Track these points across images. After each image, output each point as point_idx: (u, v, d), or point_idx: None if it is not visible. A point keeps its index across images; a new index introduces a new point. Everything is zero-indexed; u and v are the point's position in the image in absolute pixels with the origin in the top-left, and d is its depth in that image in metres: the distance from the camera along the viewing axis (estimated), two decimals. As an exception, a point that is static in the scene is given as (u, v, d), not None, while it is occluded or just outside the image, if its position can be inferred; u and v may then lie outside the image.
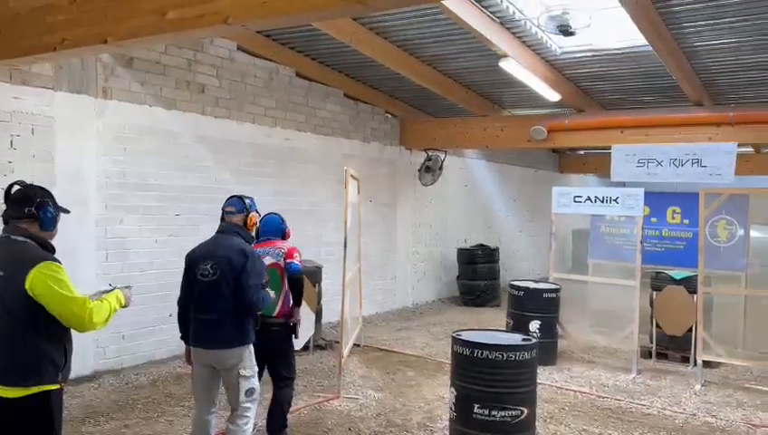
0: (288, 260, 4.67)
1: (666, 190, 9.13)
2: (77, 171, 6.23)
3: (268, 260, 4.62)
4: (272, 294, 4.51)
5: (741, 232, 7.64)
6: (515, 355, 4.54)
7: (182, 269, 7.20)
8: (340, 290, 6.54)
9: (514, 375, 4.51)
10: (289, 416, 4.94)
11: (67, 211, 3.18)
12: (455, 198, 12.43)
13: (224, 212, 4.31)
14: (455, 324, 8.95)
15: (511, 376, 4.49)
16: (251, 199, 4.37)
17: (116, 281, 3.82)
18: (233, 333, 3.99)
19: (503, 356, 4.48)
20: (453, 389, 4.70)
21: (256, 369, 4.18)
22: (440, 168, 11.27)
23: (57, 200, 3.14)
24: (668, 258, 8.52)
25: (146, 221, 6.89)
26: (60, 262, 2.97)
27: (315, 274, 7.74)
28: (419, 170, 11.25)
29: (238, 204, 4.28)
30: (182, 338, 4.25)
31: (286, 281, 4.66)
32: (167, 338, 7.12)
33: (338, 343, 6.79)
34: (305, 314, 7.45)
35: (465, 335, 4.80)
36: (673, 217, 8.59)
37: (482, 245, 12.08)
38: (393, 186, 10.78)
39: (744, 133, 8.02)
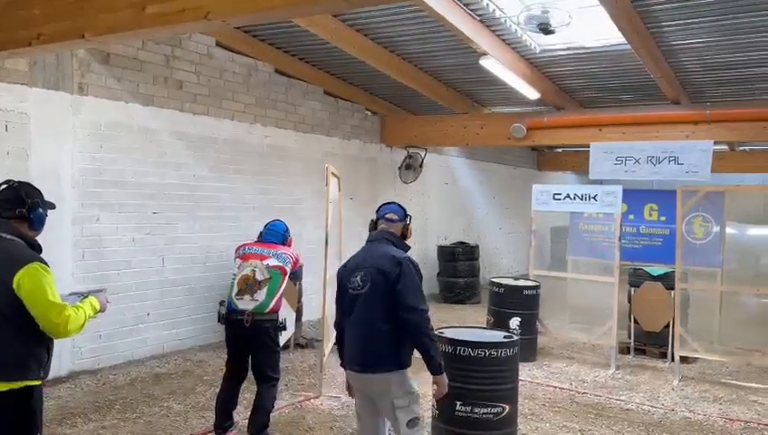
0: (295, 269, 5.05)
1: (643, 188, 9.24)
2: (53, 169, 6.11)
3: (272, 262, 4.79)
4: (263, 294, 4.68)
5: (717, 229, 7.74)
6: (497, 352, 4.56)
7: (160, 268, 7.19)
8: (321, 288, 6.50)
9: (496, 372, 4.52)
10: (270, 416, 4.90)
11: (53, 206, 3.21)
12: (435, 195, 12.45)
13: (380, 219, 3.81)
14: (435, 322, 8.86)
15: (493, 373, 4.51)
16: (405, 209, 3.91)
17: (93, 281, 3.76)
18: (381, 355, 3.45)
19: (485, 353, 4.49)
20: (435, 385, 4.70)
21: (418, 398, 3.57)
22: (420, 165, 11.29)
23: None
24: (646, 255, 8.62)
25: (123, 219, 6.79)
26: (47, 263, 2.98)
27: (296, 272, 7.67)
28: (400, 168, 11.25)
29: (399, 211, 3.81)
30: (342, 365, 3.75)
31: (284, 284, 4.81)
32: (145, 338, 7.05)
33: (319, 341, 6.76)
34: (287, 312, 7.43)
35: (448, 333, 4.80)
36: (650, 215, 8.69)
37: (462, 242, 12.12)
38: (374, 183, 10.77)
39: (720, 131, 8.16)
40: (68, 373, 6.26)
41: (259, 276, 4.71)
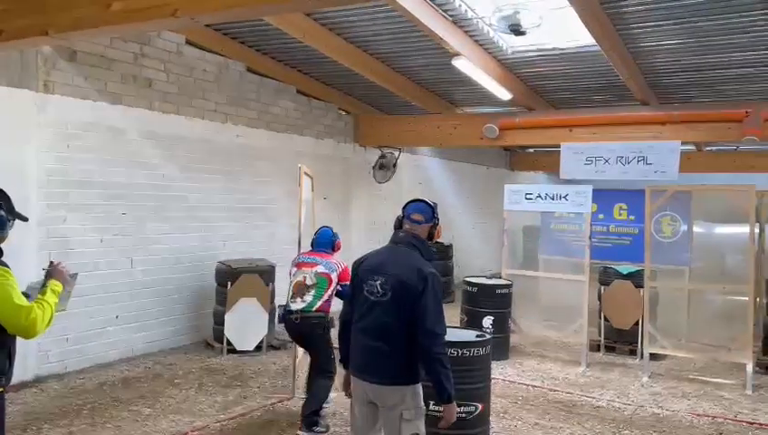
0: (342, 282, 5.24)
1: (613, 187, 9.35)
2: (17, 169, 5.95)
3: (320, 269, 5.31)
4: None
5: (684, 228, 7.89)
6: (470, 352, 4.57)
7: (129, 269, 7.06)
8: (293, 289, 6.46)
9: (469, 371, 4.53)
10: (240, 418, 4.87)
11: (25, 219, 3.12)
12: (409, 195, 12.29)
13: (405, 219, 3.56)
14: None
15: (466, 372, 4.51)
16: (436, 205, 3.64)
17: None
18: (399, 368, 3.28)
19: (458, 353, 4.50)
20: (408, 386, 4.70)
21: (423, 413, 3.40)
22: (394, 165, 11.29)
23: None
24: (616, 254, 8.74)
25: (90, 220, 6.65)
26: (8, 266, 2.91)
27: (268, 273, 7.63)
28: (374, 168, 11.24)
29: (427, 211, 3.54)
30: (341, 361, 3.63)
31: (331, 289, 5.27)
32: (114, 340, 6.92)
33: (292, 342, 6.71)
34: (259, 314, 7.37)
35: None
36: (620, 214, 8.81)
37: (436, 241, 12.10)
38: (347, 183, 10.74)
39: (688, 132, 8.30)
40: (34, 378, 6.11)
41: (309, 281, 5.30)
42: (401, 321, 3.23)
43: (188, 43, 7.61)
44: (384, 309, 3.29)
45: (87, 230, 6.63)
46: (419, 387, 3.34)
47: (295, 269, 5.47)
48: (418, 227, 3.50)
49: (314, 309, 5.20)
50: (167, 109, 7.41)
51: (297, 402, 5.79)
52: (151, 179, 7.27)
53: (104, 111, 6.75)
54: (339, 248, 5.64)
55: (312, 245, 5.64)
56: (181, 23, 4.03)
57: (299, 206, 6.26)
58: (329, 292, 5.27)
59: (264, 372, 6.72)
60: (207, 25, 7.08)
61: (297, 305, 5.24)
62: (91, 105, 6.61)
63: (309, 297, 5.25)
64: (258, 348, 7.40)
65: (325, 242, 5.57)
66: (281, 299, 7.95)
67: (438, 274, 3.37)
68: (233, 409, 5.59)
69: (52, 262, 3.23)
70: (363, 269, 3.47)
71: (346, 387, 3.58)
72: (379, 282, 3.32)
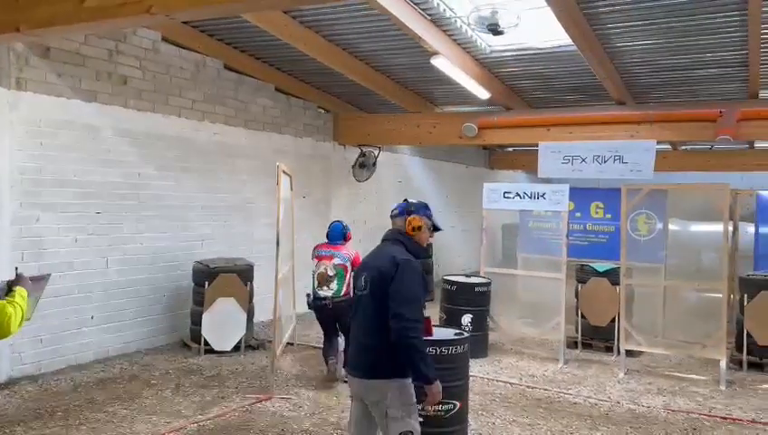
0: (355, 265, 6.09)
1: (589, 186, 9.46)
2: (-12, 167, 5.85)
3: (337, 261, 6.42)
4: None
5: (660, 226, 8.01)
6: (448, 350, 4.59)
7: (104, 269, 6.98)
8: (272, 288, 6.43)
9: (448, 369, 4.54)
10: (218, 419, 4.84)
11: None
12: (389, 193, 12.45)
13: (391, 218, 3.73)
14: (389, 320, 8.96)
15: (444, 371, 4.50)
16: (422, 204, 3.76)
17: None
18: (378, 361, 3.27)
19: (436, 351, 4.51)
20: (387, 385, 4.70)
21: (415, 410, 3.36)
22: (374, 164, 11.28)
23: None
24: (592, 251, 8.85)
25: (64, 219, 6.55)
26: None
27: (247, 272, 7.58)
28: (353, 166, 11.22)
29: (400, 205, 3.70)
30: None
31: (348, 275, 6.32)
32: (89, 341, 6.83)
33: (270, 342, 6.68)
34: (237, 313, 7.33)
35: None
36: (596, 212, 8.92)
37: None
38: (327, 182, 10.71)
39: (663, 131, 8.40)
40: (7, 379, 6.01)
41: (330, 272, 6.45)
42: (379, 312, 3.24)
43: (165, 40, 7.52)
44: (365, 303, 3.37)
45: (61, 230, 6.53)
46: (406, 382, 3.29)
47: (316, 261, 6.55)
48: (395, 220, 3.62)
49: (342, 295, 6.37)
50: (142, 106, 7.32)
51: (276, 402, 5.77)
52: (127, 178, 7.18)
53: (78, 109, 6.64)
54: (350, 238, 6.69)
55: (327, 237, 6.68)
56: (156, 20, 3.99)
57: (277, 205, 6.23)
58: (347, 278, 6.39)
59: (242, 372, 6.68)
60: (184, 22, 7.00)
61: (326, 293, 6.40)
62: (64, 103, 6.51)
63: (334, 286, 6.42)
64: (236, 348, 7.35)
65: (337, 235, 6.61)
66: (260, 298, 7.96)
67: (416, 262, 3.39)
68: (210, 409, 5.54)
69: (17, 269, 3.21)
70: (357, 272, 3.59)
71: None
72: (363, 277, 3.42)
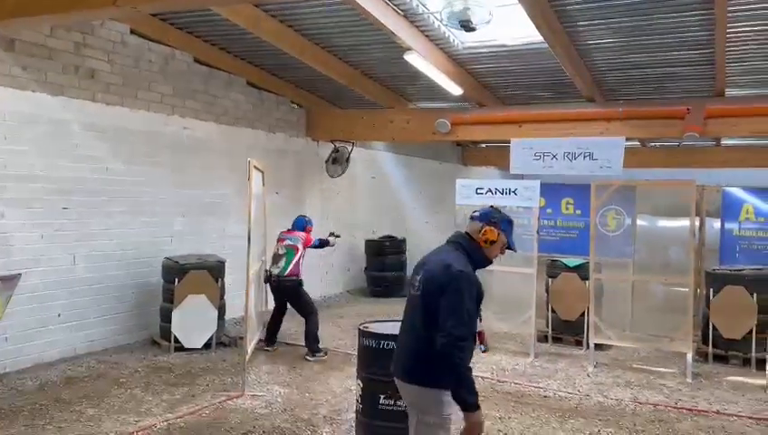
0: (307, 245, 7.52)
1: (560, 182, 9.54)
2: (-52, 161, 5.70)
3: (288, 242, 7.44)
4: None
5: (628, 221, 8.13)
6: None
7: (71, 266, 6.84)
8: (244, 285, 6.38)
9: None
10: (189, 417, 4.78)
11: None
12: (362, 189, 12.45)
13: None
14: (362, 316, 8.95)
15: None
16: (506, 218, 3.41)
17: None
18: (418, 366, 3.14)
19: (407, 347, 4.50)
20: (359, 381, 4.70)
21: (450, 419, 3.16)
22: (347, 159, 11.25)
23: None
24: (563, 247, 8.95)
25: (30, 215, 6.41)
26: None
27: (218, 268, 7.51)
28: (327, 162, 11.17)
29: (485, 211, 3.38)
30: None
31: (298, 255, 7.32)
32: (55, 339, 6.70)
33: (242, 338, 6.62)
34: (208, 310, 7.26)
35: (372, 327, 4.80)
36: (567, 208, 9.01)
37: (390, 236, 12.19)
38: (300, 177, 10.65)
39: (632, 128, 8.53)
40: (-31, 380, 5.88)
41: (280, 252, 7.40)
42: (426, 318, 3.09)
43: (133, 32, 7.40)
44: (414, 304, 3.23)
45: (27, 226, 6.38)
46: (443, 395, 3.06)
47: (277, 243, 7.49)
48: (471, 223, 3.35)
49: (286, 274, 7.26)
50: (111, 100, 7.20)
51: (248, 399, 5.73)
52: (95, 173, 7.06)
53: (45, 103, 6.51)
54: (309, 231, 7.68)
55: (291, 226, 7.74)
56: (122, 12, 3.93)
57: (249, 201, 6.17)
58: (296, 258, 7.30)
59: (213, 370, 6.62)
60: (153, 15, 6.89)
61: (275, 270, 7.34)
62: (30, 96, 6.37)
63: (282, 263, 7.30)
64: (207, 345, 7.28)
65: (298, 225, 7.71)
66: (231, 295, 7.91)
67: (473, 275, 3.15)
68: (180, 407, 5.48)
69: None
70: (414, 270, 3.38)
71: None
72: (418, 277, 3.26)
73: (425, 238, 14.67)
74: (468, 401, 2.97)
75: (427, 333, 3.05)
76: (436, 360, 2.99)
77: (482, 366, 7.12)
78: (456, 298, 2.99)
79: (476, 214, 3.37)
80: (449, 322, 2.96)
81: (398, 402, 4.43)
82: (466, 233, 3.33)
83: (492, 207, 3.48)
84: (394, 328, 4.78)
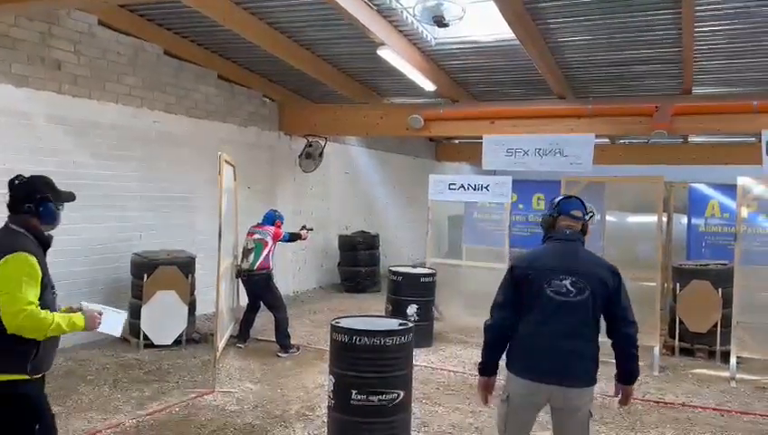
0: (276, 239, 7.42)
1: (531, 178, 9.62)
2: None
3: (257, 237, 7.34)
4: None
5: (598, 217, 8.22)
6: (392, 340, 4.59)
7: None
8: (215, 281, 6.31)
9: (391, 360, 4.55)
10: (158, 414, 4.72)
11: (70, 197, 3.31)
12: (336, 185, 12.40)
13: (562, 215, 3.43)
14: (336, 312, 8.94)
15: (388, 361, 4.53)
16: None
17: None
18: (594, 368, 3.31)
19: (380, 341, 4.51)
20: (331, 376, 4.68)
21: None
22: (321, 154, 11.19)
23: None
24: (535, 242, 8.98)
25: (-7, 210, 6.24)
26: (37, 256, 3.02)
27: (188, 264, 7.42)
28: (300, 157, 11.10)
29: (583, 208, 3.47)
30: (487, 369, 3.51)
31: (267, 249, 7.25)
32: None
33: (213, 335, 6.56)
34: (177, 306, 7.16)
35: (344, 322, 4.78)
36: (538, 204, 9.10)
37: (363, 231, 12.17)
38: (272, 172, 10.56)
39: (601, 125, 8.64)
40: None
41: (249, 246, 7.32)
42: (594, 319, 3.28)
43: (101, 23, 7.24)
44: (575, 308, 3.23)
45: (-11, 220, 6.21)
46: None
47: (246, 238, 7.44)
48: (578, 223, 3.42)
49: (256, 268, 7.20)
50: (77, 92, 7.04)
51: (218, 397, 5.67)
52: (61, 167, 6.87)
53: (8, 94, 6.34)
54: (279, 226, 7.55)
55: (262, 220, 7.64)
56: (90, 2, 3.82)
57: (220, 195, 6.10)
58: (264, 252, 7.22)
59: (184, 367, 6.53)
60: (121, 6, 6.75)
61: (244, 266, 7.29)
62: (-8, 87, 6.20)
63: (251, 258, 7.23)
64: (177, 342, 7.19)
65: (267, 219, 7.62)
66: (201, 291, 7.81)
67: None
68: (150, 405, 5.40)
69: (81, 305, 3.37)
70: (540, 270, 3.30)
71: (487, 392, 3.53)
72: (567, 281, 3.23)
73: (398, 233, 14.73)
74: (637, 373, 3.45)
75: (595, 335, 3.31)
76: (599, 356, 3.32)
77: (454, 361, 7.18)
78: (626, 292, 3.33)
79: (579, 213, 3.44)
80: (632, 314, 3.32)
81: (371, 397, 4.45)
82: (580, 232, 3.44)
83: (578, 198, 3.54)
84: (365, 323, 4.82)
